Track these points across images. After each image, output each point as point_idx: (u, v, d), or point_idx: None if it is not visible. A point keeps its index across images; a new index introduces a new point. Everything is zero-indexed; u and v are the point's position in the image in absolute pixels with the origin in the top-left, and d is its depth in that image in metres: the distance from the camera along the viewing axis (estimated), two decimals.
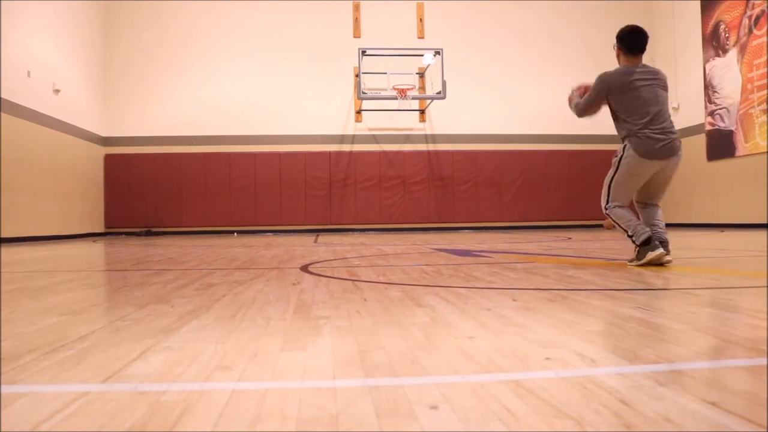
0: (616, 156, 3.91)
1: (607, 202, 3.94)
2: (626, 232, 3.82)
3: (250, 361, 1.34)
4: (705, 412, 0.94)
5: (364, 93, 12.74)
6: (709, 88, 13.15)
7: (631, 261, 3.84)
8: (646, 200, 4.04)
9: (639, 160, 3.78)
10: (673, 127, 3.83)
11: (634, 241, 3.76)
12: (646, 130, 3.75)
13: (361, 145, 14.66)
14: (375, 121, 14.66)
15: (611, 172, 3.94)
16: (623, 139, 3.90)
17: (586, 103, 3.98)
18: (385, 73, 12.86)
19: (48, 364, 1.33)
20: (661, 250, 3.68)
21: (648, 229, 3.78)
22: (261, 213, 14.38)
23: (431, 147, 14.84)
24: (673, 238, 8.57)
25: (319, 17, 14.64)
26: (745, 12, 12.10)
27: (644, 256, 3.69)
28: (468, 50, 14.71)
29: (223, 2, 14.50)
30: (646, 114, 3.76)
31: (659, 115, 3.78)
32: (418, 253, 5.53)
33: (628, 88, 3.80)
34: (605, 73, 3.92)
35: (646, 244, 3.69)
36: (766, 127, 11.43)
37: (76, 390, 1.12)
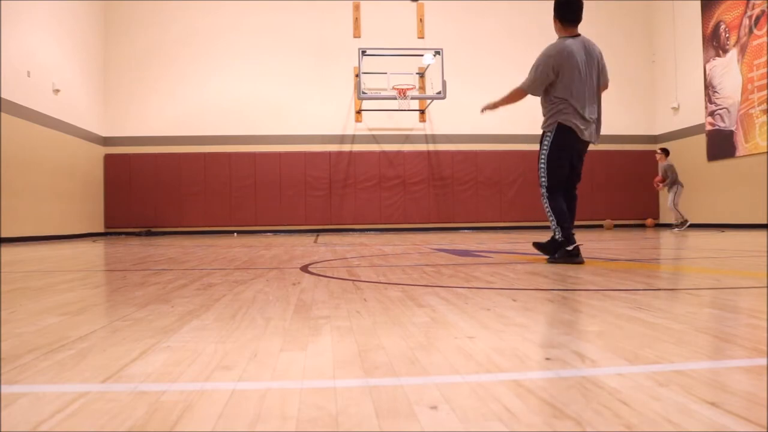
0: None
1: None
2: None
3: (250, 361, 1.34)
4: (705, 412, 0.94)
5: (364, 93, 12.73)
6: (709, 88, 13.15)
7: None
8: None
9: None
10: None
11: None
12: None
13: (361, 145, 14.66)
14: (375, 121, 14.66)
15: None
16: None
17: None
18: (385, 73, 12.86)
19: (48, 364, 1.33)
20: None
21: None
22: (261, 213, 14.38)
23: (431, 147, 14.84)
24: (673, 237, 8.59)
25: (319, 17, 14.64)
26: (745, 12, 12.10)
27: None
28: (468, 50, 14.71)
29: (223, 2, 14.50)
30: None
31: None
32: (418, 253, 5.53)
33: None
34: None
35: None
36: (766, 128, 11.43)
37: (76, 390, 1.12)
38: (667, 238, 8.67)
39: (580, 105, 3.88)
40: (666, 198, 11.67)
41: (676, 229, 11.13)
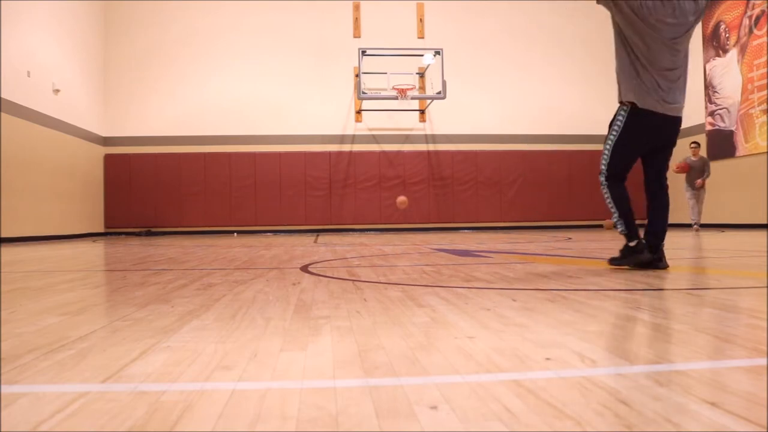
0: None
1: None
2: None
3: (250, 361, 1.34)
4: (705, 412, 0.94)
5: (364, 93, 12.74)
6: (709, 88, 13.15)
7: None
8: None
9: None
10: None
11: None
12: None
13: (361, 145, 14.67)
14: (375, 121, 14.67)
15: None
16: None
17: None
18: (385, 73, 12.87)
19: (48, 364, 1.33)
20: None
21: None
22: (261, 213, 14.39)
23: (431, 147, 14.85)
24: (674, 238, 8.58)
25: (319, 17, 14.65)
26: (745, 12, 12.10)
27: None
28: (468, 50, 14.72)
29: (223, 2, 14.51)
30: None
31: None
32: (418, 253, 5.53)
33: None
34: None
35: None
36: (766, 128, 11.42)
37: (76, 390, 1.12)
38: (667, 238, 8.64)
39: (663, 77, 3.26)
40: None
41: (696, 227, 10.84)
